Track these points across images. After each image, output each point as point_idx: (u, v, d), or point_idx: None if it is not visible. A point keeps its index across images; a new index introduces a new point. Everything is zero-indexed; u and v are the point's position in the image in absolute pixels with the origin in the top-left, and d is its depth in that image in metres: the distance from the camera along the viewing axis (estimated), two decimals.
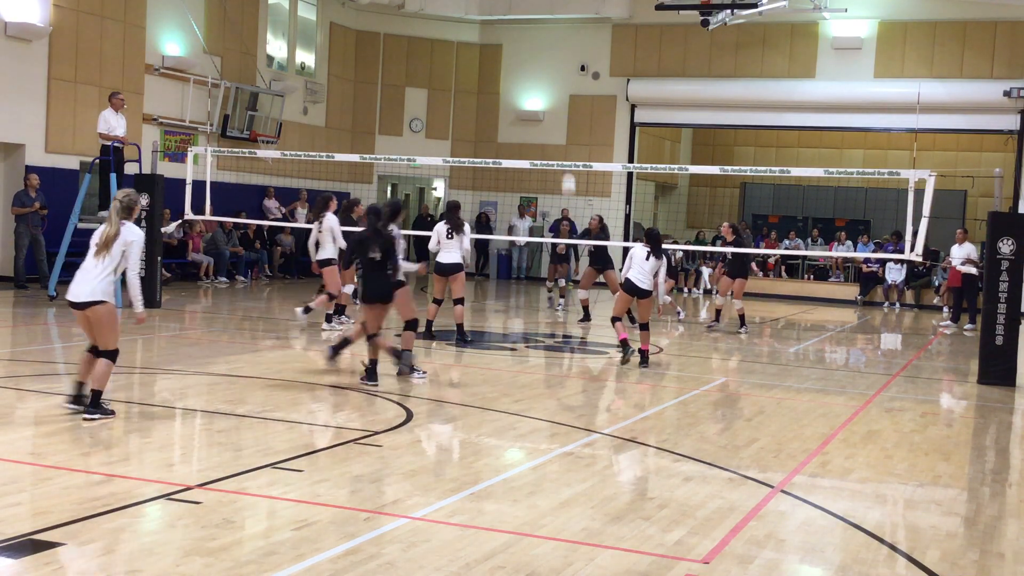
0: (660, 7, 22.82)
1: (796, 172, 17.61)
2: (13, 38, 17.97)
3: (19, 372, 10.09)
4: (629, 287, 12.29)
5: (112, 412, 8.04)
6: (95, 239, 8.15)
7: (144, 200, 8.45)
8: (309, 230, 14.42)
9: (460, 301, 13.56)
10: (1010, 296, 12.16)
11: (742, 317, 16.86)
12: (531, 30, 27.41)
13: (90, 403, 7.93)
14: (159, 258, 16.28)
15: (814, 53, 25.26)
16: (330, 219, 13.92)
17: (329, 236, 13.90)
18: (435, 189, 30.48)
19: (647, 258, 12.22)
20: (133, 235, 8.10)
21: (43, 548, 5.04)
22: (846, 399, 10.87)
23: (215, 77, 22.45)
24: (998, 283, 12.19)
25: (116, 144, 16.34)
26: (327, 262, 13.85)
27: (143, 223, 16.10)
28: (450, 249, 13.36)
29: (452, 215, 13.49)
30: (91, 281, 8.00)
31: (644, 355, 12.33)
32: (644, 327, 12.50)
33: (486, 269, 28.07)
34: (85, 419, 7.83)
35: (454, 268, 13.42)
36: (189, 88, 21.80)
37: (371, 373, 10.02)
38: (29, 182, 17.36)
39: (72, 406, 8.09)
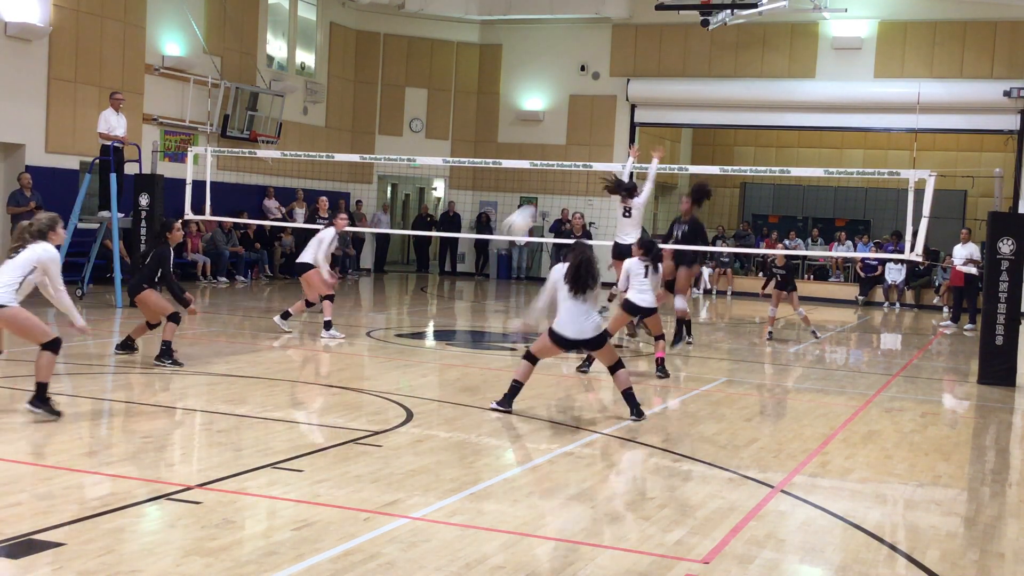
0: (660, 7, 22.81)
1: (796, 172, 17.58)
2: (13, 38, 17.96)
3: (19, 372, 10.08)
4: (631, 307, 11.29)
5: (58, 413, 7.78)
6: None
7: (60, 226, 8.10)
8: (308, 231, 14.50)
9: (660, 337, 11.90)
10: (1010, 296, 12.16)
11: (808, 322, 16.23)
12: (531, 30, 27.41)
13: (35, 395, 7.75)
14: None
15: (814, 53, 25.26)
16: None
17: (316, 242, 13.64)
18: (435, 189, 30.48)
19: (646, 275, 11.19)
20: (47, 252, 7.77)
21: (43, 548, 5.04)
22: (846, 399, 10.87)
23: (215, 77, 22.45)
24: (998, 283, 12.19)
25: (116, 144, 16.34)
26: (305, 267, 13.61)
27: (142, 224, 16.13)
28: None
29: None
30: None
31: (660, 363, 11.67)
32: (660, 337, 11.77)
33: (486, 269, 28.08)
34: (28, 408, 7.76)
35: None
36: (189, 88, 21.80)
37: (124, 345, 11.32)
38: (22, 181, 17.35)
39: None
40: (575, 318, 8.77)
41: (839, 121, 25.66)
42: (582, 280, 8.73)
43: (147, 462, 6.92)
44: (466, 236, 26.24)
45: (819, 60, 25.22)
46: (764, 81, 25.46)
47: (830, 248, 25.87)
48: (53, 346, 7.77)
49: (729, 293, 25.44)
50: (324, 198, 20.44)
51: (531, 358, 9.10)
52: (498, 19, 27.25)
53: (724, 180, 30.70)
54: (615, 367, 9.01)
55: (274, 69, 24.96)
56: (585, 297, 8.79)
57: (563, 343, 8.89)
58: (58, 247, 8.07)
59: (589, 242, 10.21)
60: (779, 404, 10.42)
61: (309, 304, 13.80)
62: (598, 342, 8.87)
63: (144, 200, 16.11)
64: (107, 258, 17.60)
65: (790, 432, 8.94)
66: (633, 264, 11.25)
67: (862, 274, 24.63)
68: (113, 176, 16.24)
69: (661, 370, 11.61)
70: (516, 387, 9.09)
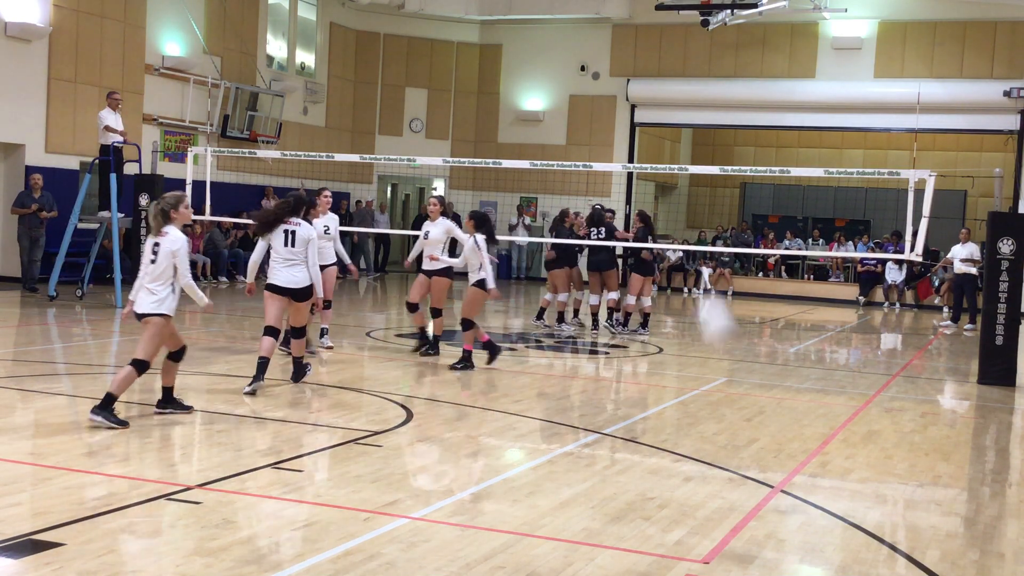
0: (660, 7, 22.82)
1: (796, 172, 17.56)
2: (13, 38, 17.97)
3: (19, 372, 10.09)
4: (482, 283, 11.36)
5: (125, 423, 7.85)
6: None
7: (187, 201, 8.29)
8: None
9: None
10: (1010, 296, 12.16)
11: (627, 316, 15.61)
12: (531, 30, 27.42)
13: (100, 405, 7.78)
14: None
15: (814, 53, 25.27)
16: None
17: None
18: (435, 189, 30.46)
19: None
20: (175, 243, 7.84)
21: (43, 548, 5.04)
22: (846, 399, 10.87)
23: (215, 77, 22.45)
24: (998, 283, 12.19)
25: (116, 143, 16.33)
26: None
27: (142, 224, 16.12)
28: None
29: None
30: (142, 292, 7.94)
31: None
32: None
33: None
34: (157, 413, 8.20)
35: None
36: (189, 88, 21.81)
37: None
38: (33, 182, 17.32)
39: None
40: (285, 268, 9.62)
41: (839, 121, 25.66)
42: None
43: (147, 462, 6.92)
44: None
45: (819, 60, 25.23)
46: (764, 81, 25.47)
47: (830, 248, 25.89)
48: (140, 367, 7.84)
49: (730, 293, 25.46)
50: (577, 213, 17.14)
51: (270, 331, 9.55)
52: (498, 19, 27.25)
53: (724, 180, 30.74)
54: (300, 332, 9.93)
55: (274, 69, 24.96)
56: (295, 250, 9.61)
57: (275, 290, 9.60)
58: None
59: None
60: (779, 404, 10.42)
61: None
62: (304, 294, 9.67)
63: (144, 200, 16.09)
64: (107, 258, 17.60)
65: (790, 432, 8.94)
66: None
67: (862, 268, 24.64)
68: (113, 176, 16.24)
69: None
70: (264, 363, 9.44)
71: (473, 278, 11.27)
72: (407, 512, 5.94)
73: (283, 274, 9.67)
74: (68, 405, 8.68)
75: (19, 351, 11.79)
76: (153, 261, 7.82)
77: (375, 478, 6.70)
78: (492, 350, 11.47)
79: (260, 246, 9.91)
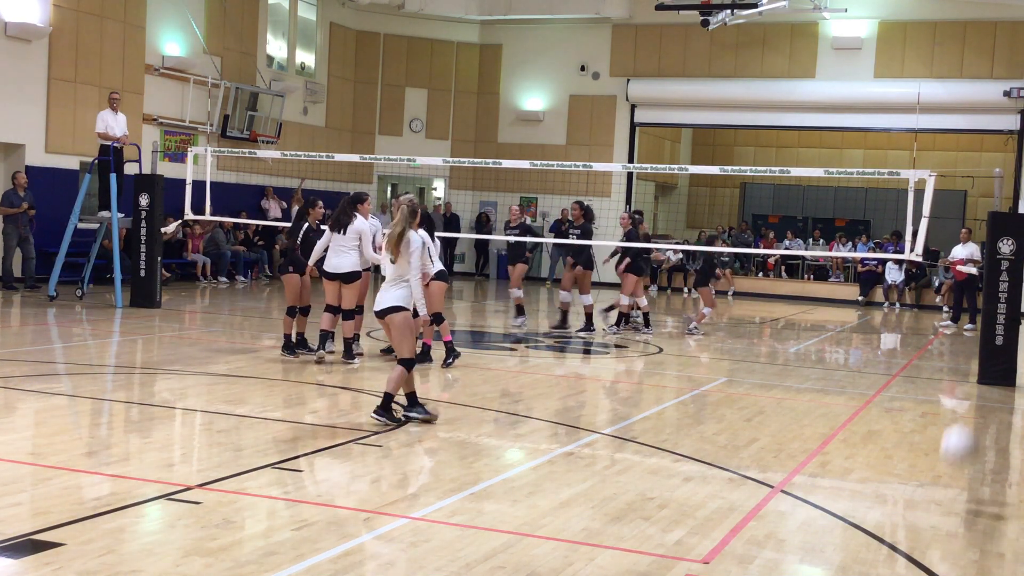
0: (660, 7, 22.81)
1: (796, 172, 17.55)
2: (13, 38, 17.96)
3: (20, 372, 10.08)
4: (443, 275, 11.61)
5: (400, 421, 8.27)
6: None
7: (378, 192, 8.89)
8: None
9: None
10: (1010, 296, 12.15)
11: (622, 316, 15.75)
12: (531, 30, 27.41)
13: (381, 405, 8.23)
14: (159, 258, 16.28)
15: (814, 53, 25.27)
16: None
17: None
18: (435, 189, 30.47)
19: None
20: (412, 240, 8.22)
21: (43, 548, 5.04)
22: (846, 399, 10.87)
23: (215, 77, 22.45)
24: (998, 283, 12.18)
25: (115, 144, 16.33)
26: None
27: (142, 224, 16.08)
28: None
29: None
30: (385, 288, 8.31)
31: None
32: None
33: (486, 269, 28.07)
34: (374, 418, 8.24)
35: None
36: (189, 88, 21.80)
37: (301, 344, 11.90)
38: (17, 181, 17.32)
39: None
40: (334, 256, 11.01)
41: (839, 121, 25.66)
42: (341, 221, 10.92)
43: (147, 462, 6.92)
44: (466, 236, 26.25)
45: (819, 60, 25.22)
46: (764, 81, 25.46)
47: (830, 248, 25.88)
48: (409, 364, 8.21)
49: (731, 293, 25.46)
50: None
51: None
52: (498, 19, 27.24)
53: (724, 180, 30.74)
54: (348, 314, 11.14)
55: (274, 69, 24.95)
56: (344, 236, 10.93)
57: (326, 276, 11.14)
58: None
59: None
60: (779, 404, 10.42)
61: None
62: (348, 277, 11.07)
63: (144, 200, 16.10)
64: (107, 258, 17.60)
65: (790, 432, 8.94)
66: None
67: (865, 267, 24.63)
68: (113, 176, 16.23)
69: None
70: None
71: (430, 273, 11.31)
72: (407, 512, 5.94)
73: (332, 260, 11.09)
74: (68, 405, 8.68)
75: (19, 351, 11.78)
76: (393, 262, 8.25)
77: (375, 478, 6.70)
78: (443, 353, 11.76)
79: (326, 237, 11.11)
